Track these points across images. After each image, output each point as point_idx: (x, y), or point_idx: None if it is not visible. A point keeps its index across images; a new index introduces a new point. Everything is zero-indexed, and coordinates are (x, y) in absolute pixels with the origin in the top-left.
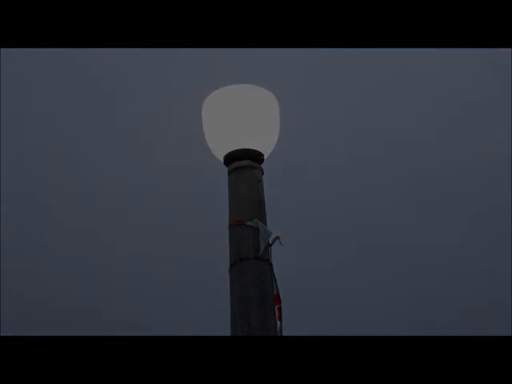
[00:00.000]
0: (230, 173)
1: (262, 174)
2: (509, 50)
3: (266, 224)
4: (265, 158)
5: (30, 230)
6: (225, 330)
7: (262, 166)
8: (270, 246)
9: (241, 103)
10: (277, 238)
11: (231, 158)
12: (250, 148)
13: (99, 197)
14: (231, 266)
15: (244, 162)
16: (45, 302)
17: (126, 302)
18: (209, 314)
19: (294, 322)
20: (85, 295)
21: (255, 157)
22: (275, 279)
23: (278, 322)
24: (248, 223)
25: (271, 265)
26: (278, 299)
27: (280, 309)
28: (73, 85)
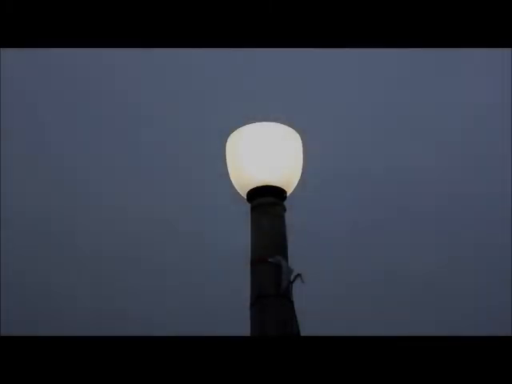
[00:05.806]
0: (252, 209)
1: (285, 211)
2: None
3: (287, 261)
4: (287, 195)
5: None
6: None
7: (284, 203)
8: (292, 283)
9: (265, 141)
10: (298, 275)
11: (255, 193)
12: (274, 185)
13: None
14: (252, 304)
15: (267, 198)
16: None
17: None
18: None
19: None
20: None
21: (278, 193)
22: (296, 317)
23: None
24: (270, 260)
25: (292, 302)
26: None
27: None
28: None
